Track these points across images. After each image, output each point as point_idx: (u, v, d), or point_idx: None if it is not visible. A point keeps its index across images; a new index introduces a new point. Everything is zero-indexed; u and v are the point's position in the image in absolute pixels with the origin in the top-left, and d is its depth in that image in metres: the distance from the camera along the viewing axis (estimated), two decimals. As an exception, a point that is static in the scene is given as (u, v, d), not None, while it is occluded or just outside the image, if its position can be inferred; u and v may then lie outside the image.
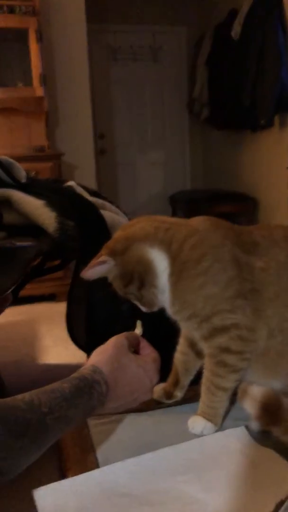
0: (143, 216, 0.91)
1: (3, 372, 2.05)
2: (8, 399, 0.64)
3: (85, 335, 1.72)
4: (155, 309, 0.88)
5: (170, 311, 0.89)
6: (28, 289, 3.12)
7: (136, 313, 1.71)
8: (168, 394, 0.98)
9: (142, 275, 0.84)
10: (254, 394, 0.87)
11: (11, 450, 0.59)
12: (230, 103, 4.04)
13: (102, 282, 1.50)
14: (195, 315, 0.85)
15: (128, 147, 5.09)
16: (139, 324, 0.92)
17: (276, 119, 3.78)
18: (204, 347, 0.88)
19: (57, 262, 1.98)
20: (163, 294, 0.86)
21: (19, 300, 3.18)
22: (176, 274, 0.84)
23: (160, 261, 0.84)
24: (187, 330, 0.95)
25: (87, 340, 1.71)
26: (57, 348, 2.60)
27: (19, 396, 0.65)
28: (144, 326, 1.42)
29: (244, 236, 0.88)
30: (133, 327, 1.74)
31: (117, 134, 5.00)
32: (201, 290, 0.83)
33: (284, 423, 0.82)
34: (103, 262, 0.84)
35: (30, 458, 0.63)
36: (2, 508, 1.42)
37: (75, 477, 0.75)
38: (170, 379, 0.99)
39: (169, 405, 0.98)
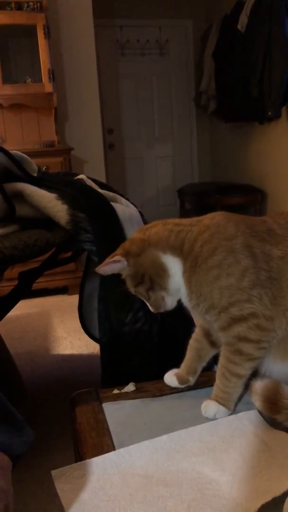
0: (160, 220, 0.96)
1: (17, 362, 2.08)
2: None
3: (98, 326, 1.74)
4: (161, 310, 0.93)
5: (188, 306, 0.92)
6: (41, 282, 3.19)
7: (146, 304, 1.73)
8: (181, 379, 1.00)
9: (152, 278, 0.90)
10: (256, 388, 0.89)
11: None
12: (237, 95, 4.03)
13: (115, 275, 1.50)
14: (213, 307, 0.87)
15: (136, 141, 5.10)
16: (131, 384, 1.03)
17: (284, 110, 3.77)
18: (222, 336, 0.90)
19: (68, 254, 2.00)
20: (176, 294, 0.91)
21: (32, 293, 3.25)
22: (189, 271, 0.88)
23: (172, 264, 0.89)
24: (204, 321, 0.97)
25: (99, 330, 1.73)
26: (70, 339, 2.64)
27: None
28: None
29: (257, 226, 0.90)
30: (143, 318, 1.75)
31: (125, 128, 5.01)
32: (215, 282, 0.86)
33: (284, 410, 0.84)
34: (117, 261, 0.90)
35: None
36: (22, 492, 1.46)
37: (92, 459, 0.78)
38: (183, 364, 1.01)
39: (182, 390, 1.00)
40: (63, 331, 2.76)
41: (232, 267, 0.85)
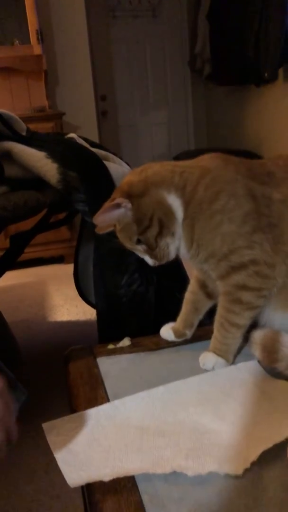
0: (152, 162, 0.87)
1: (14, 331, 2.06)
2: None
3: (94, 290, 1.71)
4: (164, 261, 0.86)
5: (185, 255, 0.87)
6: (37, 252, 3.17)
7: (141, 266, 1.69)
8: (177, 333, 0.96)
9: (163, 220, 0.81)
10: (255, 338, 0.86)
11: None
12: (233, 58, 3.92)
13: (108, 236, 1.46)
14: (212, 255, 0.83)
15: (130, 108, 4.98)
16: (127, 339, 0.99)
17: (280, 72, 3.67)
18: (220, 285, 0.85)
19: (62, 216, 1.96)
20: (176, 243, 0.84)
21: (28, 263, 3.23)
22: (191, 218, 0.82)
23: (177, 207, 0.82)
24: (200, 271, 0.92)
25: (95, 294, 1.70)
26: (67, 306, 2.61)
27: None
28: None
29: (257, 168, 0.85)
30: (139, 280, 1.72)
31: (118, 95, 4.88)
32: (217, 228, 0.81)
33: (285, 359, 0.81)
34: (118, 205, 0.80)
35: None
36: (20, 457, 1.45)
37: (85, 411, 0.75)
38: (179, 318, 0.97)
39: (179, 344, 0.96)
40: (60, 299, 2.73)
41: (234, 212, 0.80)
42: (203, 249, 0.83)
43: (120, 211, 0.81)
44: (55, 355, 2.06)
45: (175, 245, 0.84)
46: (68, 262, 3.24)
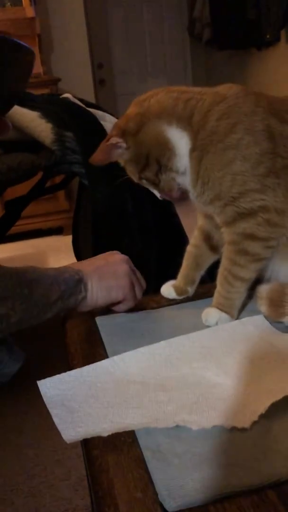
0: (160, 88, 0.80)
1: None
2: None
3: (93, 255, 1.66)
4: (174, 194, 0.81)
5: (193, 194, 0.81)
6: (36, 223, 3.14)
7: (143, 229, 1.63)
8: (179, 290, 0.92)
9: (159, 158, 0.76)
10: (261, 292, 0.81)
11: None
12: (233, 20, 3.81)
13: (106, 198, 1.40)
14: (219, 198, 0.77)
15: (127, 76, 4.85)
16: None
17: (283, 33, 3.57)
18: (225, 233, 0.80)
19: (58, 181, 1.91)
20: (184, 176, 0.78)
21: (27, 234, 3.20)
22: (200, 149, 0.75)
23: (179, 140, 0.75)
24: (205, 217, 0.88)
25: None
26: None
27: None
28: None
29: (277, 103, 0.78)
30: (139, 243, 1.67)
31: (115, 63, 4.76)
32: (229, 167, 0.74)
33: None
34: (114, 146, 0.76)
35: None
36: (23, 424, 1.43)
37: (83, 368, 0.71)
38: (180, 274, 0.93)
39: (181, 301, 0.92)
40: (59, 269, 2.70)
41: (250, 149, 0.73)
42: (208, 188, 0.77)
43: (118, 150, 0.76)
44: (53, 322, 2.04)
45: (183, 178, 0.79)
46: (67, 234, 3.19)
